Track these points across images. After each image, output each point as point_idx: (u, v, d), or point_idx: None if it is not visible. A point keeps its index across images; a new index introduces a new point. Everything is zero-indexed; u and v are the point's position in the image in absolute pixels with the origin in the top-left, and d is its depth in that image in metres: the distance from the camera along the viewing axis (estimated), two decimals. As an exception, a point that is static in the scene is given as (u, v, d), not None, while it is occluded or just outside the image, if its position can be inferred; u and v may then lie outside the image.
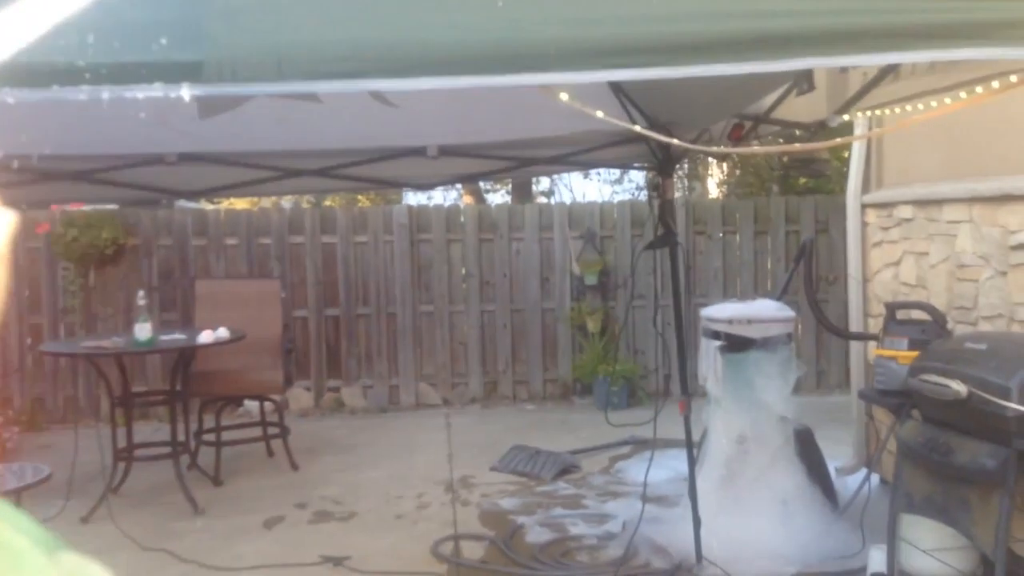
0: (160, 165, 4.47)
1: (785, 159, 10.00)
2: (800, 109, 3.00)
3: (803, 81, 2.55)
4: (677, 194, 13.25)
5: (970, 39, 1.25)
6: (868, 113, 2.84)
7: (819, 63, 1.27)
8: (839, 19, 1.26)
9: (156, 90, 1.37)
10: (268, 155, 4.40)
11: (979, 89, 2.03)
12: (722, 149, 3.35)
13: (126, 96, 1.38)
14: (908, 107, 2.68)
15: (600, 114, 1.95)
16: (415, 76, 1.31)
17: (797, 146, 3.77)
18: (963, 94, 2.20)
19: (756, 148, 3.77)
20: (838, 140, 2.83)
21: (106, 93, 1.38)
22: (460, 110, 3.78)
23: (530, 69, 1.36)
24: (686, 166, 12.42)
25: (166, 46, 1.34)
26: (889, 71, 2.36)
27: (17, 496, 4.12)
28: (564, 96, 1.32)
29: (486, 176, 5.82)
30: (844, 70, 2.58)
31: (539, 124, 4.05)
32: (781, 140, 4.18)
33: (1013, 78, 1.62)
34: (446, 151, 4.43)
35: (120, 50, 1.33)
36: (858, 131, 5.20)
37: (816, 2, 1.32)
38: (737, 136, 3.20)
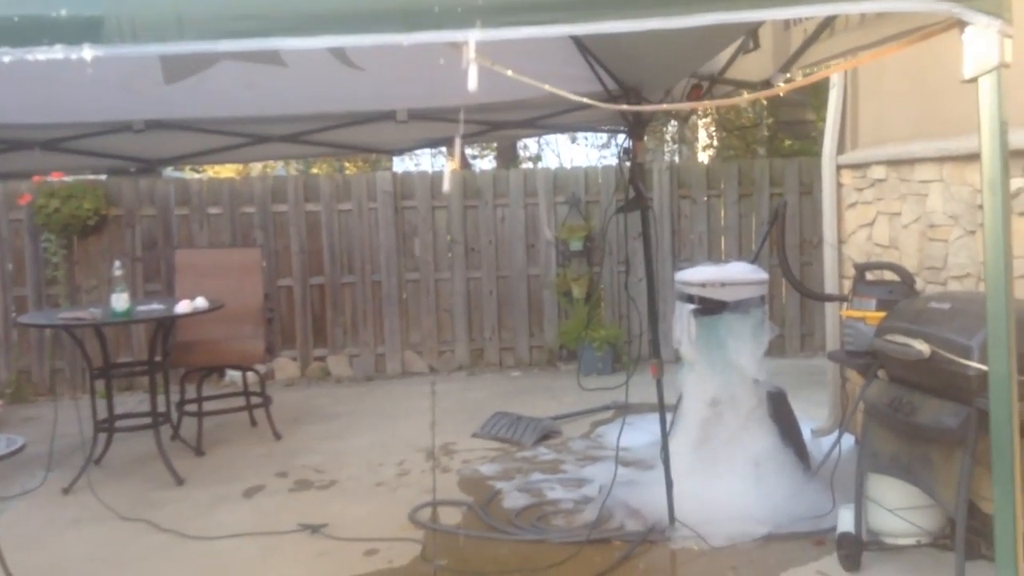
0: (128, 132, 4.43)
1: (771, 120, 9.96)
2: (749, 68, 2.98)
3: (749, 39, 2.53)
4: (665, 159, 13.22)
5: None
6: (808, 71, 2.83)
7: (726, 18, 1.25)
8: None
9: (57, 52, 1.35)
10: (237, 121, 4.36)
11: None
12: (676, 105, 3.33)
13: (27, 59, 1.36)
14: (841, 61, 2.67)
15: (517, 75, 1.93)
16: (317, 35, 1.28)
17: (745, 97, 3.75)
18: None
19: (709, 102, 3.75)
20: (775, 89, 2.82)
21: (7, 57, 1.35)
22: (427, 73, 3.74)
23: (442, 27, 1.34)
24: (673, 129, 12.37)
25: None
26: (825, 27, 2.34)
27: (-8, 467, 4.13)
28: (473, 60, 1.30)
29: (456, 140, 5.78)
30: (787, 28, 2.56)
31: (507, 87, 4.01)
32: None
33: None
34: (415, 115, 4.39)
35: (15, 3, 1.30)
36: (835, 87, 5.17)
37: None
38: (697, 96, 3.19)
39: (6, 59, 1.35)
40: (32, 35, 1.33)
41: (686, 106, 3.52)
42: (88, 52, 1.34)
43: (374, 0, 1.27)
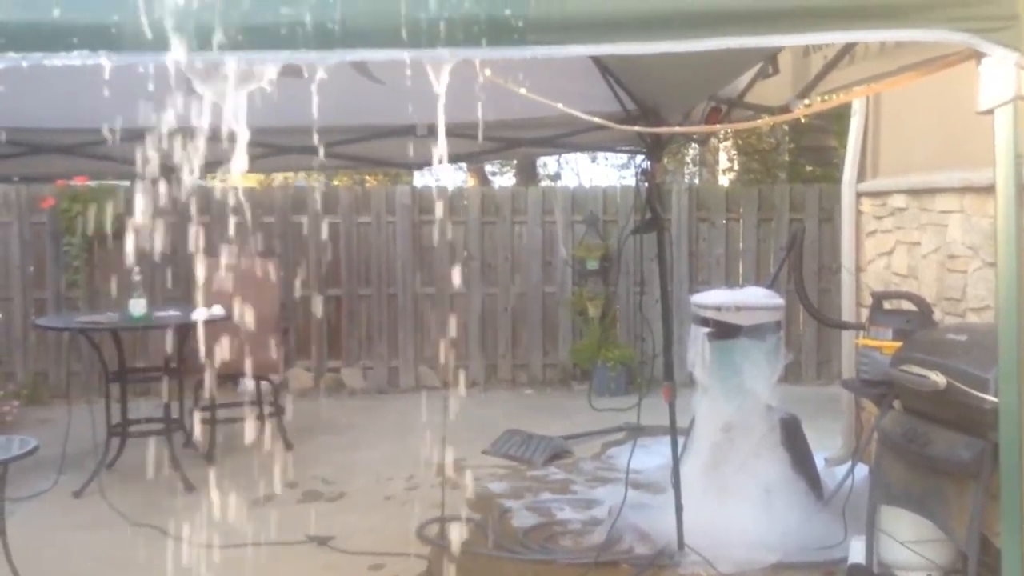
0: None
1: (792, 145, 9.93)
2: (768, 93, 2.98)
3: (768, 65, 2.53)
4: (685, 180, 13.21)
5: (886, 19, 1.23)
6: (824, 97, 2.83)
7: (739, 43, 1.25)
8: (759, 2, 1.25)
9: (74, 58, 1.36)
10: (256, 131, 4.39)
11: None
12: (693, 128, 3.33)
13: (45, 64, 1.37)
14: (860, 88, 2.66)
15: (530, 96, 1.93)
16: (336, 48, 1.31)
17: (761, 121, 3.75)
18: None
19: (726, 125, 3.75)
20: (786, 116, 2.82)
21: (24, 62, 1.37)
22: (447, 88, 3.76)
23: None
24: (694, 151, 12.36)
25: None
26: (845, 54, 2.33)
27: (3, 468, 4.15)
28: (488, 72, 1.29)
29: (475, 157, 5.81)
30: (806, 54, 2.56)
31: (527, 104, 4.02)
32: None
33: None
34: (435, 130, 4.40)
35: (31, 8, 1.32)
36: (856, 115, 5.15)
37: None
38: (715, 120, 3.19)
39: (24, 64, 1.36)
40: (49, 41, 1.34)
41: (703, 129, 3.52)
42: (105, 58, 1.35)
43: (390, 16, 1.28)
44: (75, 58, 1.35)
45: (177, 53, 1.32)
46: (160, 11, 1.31)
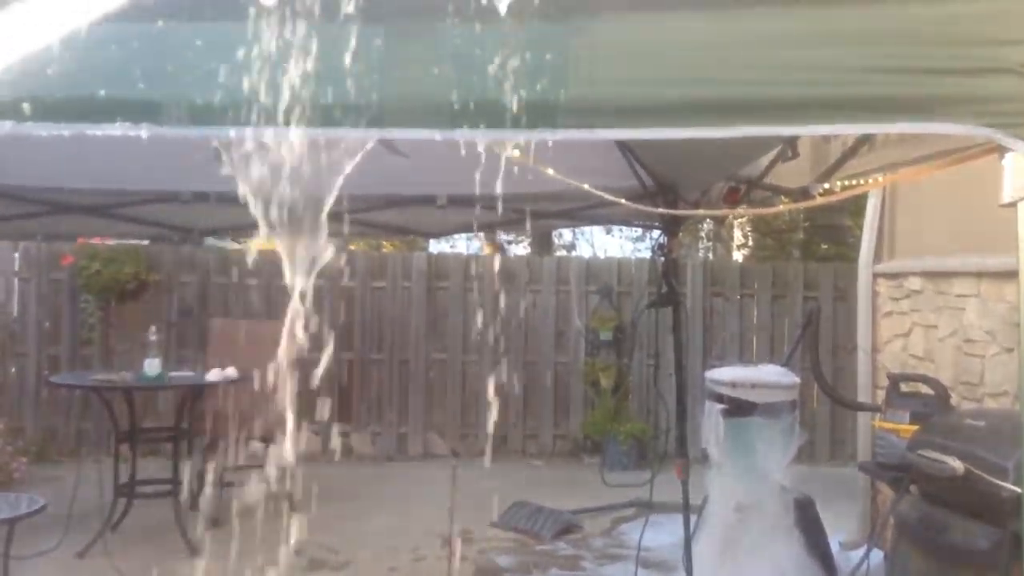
0: (175, 203, 4.54)
1: (807, 224, 9.97)
2: (787, 175, 3.01)
3: (788, 148, 2.56)
4: (699, 255, 13.26)
5: (913, 113, 1.25)
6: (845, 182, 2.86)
7: (763, 131, 1.28)
8: (788, 90, 1.28)
9: (115, 129, 1.40)
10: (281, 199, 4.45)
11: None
12: (712, 212, 3.36)
13: (87, 133, 1.41)
14: (880, 177, 2.69)
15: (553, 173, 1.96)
16: (366, 127, 1.34)
17: (780, 207, 3.78)
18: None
19: (744, 210, 3.78)
20: (815, 201, 2.85)
21: (66, 131, 1.40)
22: (469, 161, 3.82)
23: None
24: (708, 227, 12.43)
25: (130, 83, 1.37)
26: (865, 142, 2.36)
27: (10, 526, 4.12)
28: (516, 153, 1.33)
29: (494, 227, 5.86)
30: (826, 140, 2.60)
31: (546, 179, 4.07)
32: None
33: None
34: (455, 200, 4.46)
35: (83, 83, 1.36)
36: (873, 196, 5.18)
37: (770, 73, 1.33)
38: (733, 200, 3.22)
39: (66, 133, 1.40)
40: (92, 114, 1.38)
41: (722, 213, 3.55)
42: (146, 131, 1.39)
43: (426, 98, 1.32)
44: (116, 129, 1.38)
45: (215, 129, 1.35)
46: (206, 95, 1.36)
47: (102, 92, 1.33)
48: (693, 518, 4.30)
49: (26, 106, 1.27)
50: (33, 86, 1.33)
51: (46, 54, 1.34)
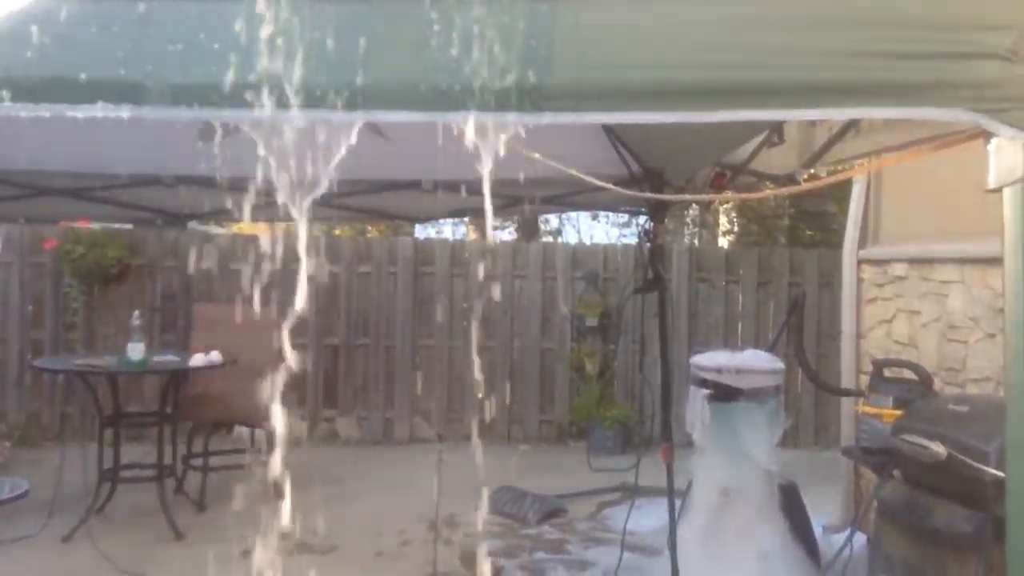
0: (158, 186, 4.51)
1: (792, 210, 10.00)
2: (773, 161, 3.01)
3: (774, 134, 2.56)
4: (685, 241, 13.28)
5: (900, 98, 1.25)
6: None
7: (750, 116, 1.27)
8: (783, 74, 1.28)
9: (97, 110, 1.38)
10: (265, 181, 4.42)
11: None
12: (698, 196, 3.36)
13: (67, 115, 1.39)
14: (865, 162, 2.69)
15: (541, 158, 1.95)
16: (353, 110, 1.33)
17: (766, 192, 3.78)
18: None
19: (731, 195, 3.78)
20: (799, 187, 2.85)
21: (46, 113, 1.39)
22: (454, 148, 3.81)
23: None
24: (694, 213, 12.45)
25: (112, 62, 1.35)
26: (851, 127, 2.37)
27: (-7, 511, 4.11)
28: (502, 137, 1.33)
29: (479, 212, 5.85)
30: (812, 124, 2.60)
31: (533, 165, 4.07)
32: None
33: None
34: (441, 185, 4.45)
35: (63, 64, 1.34)
36: (858, 182, 5.20)
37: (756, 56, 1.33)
38: (720, 184, 3.22)
39: (46, 115, 1.38)
40: (72, 94, 1.36)
41: (708, 198, 3.55)
42: (127, 112, 1.37)
43: (411, 81, 1.30)
44: (97, 110, 1.36)
45: (197, 111, 1.34)
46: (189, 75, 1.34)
47: (83, 75, 1.31)
48: (678, 502, 4.32)
49: (5, 89, 1.26)
50: (12, 67, 1.31)
51: (25, 35, 1.32)
